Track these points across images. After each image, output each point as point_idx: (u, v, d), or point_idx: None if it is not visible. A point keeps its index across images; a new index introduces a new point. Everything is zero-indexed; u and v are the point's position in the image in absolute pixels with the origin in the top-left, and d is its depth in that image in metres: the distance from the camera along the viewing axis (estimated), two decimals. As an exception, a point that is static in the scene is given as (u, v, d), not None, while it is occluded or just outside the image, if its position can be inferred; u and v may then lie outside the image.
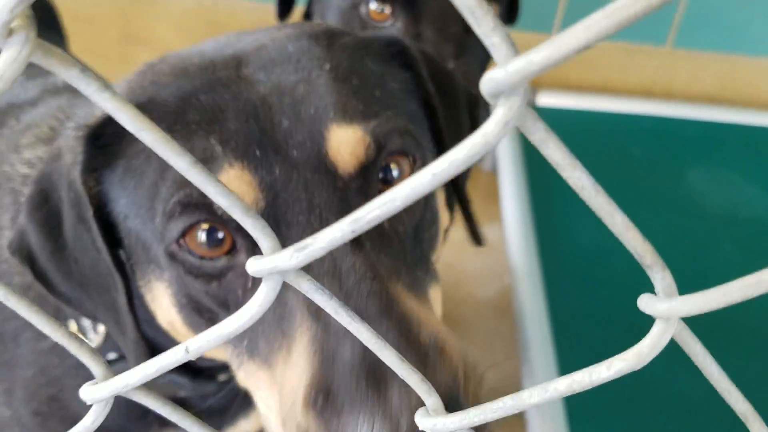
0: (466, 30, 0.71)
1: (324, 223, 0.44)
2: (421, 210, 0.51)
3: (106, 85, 0.25)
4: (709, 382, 0.29)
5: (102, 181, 0.48)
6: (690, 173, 1.46)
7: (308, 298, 0.29)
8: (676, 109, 1.59)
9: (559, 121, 1.56)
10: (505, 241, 1.26)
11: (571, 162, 0.26)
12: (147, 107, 0.45)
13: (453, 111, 0.58)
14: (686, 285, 1.18)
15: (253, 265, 0.28)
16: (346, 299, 0.42)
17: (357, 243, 0.45)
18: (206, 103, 0.45)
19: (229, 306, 0.47)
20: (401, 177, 0.48)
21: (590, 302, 1.16)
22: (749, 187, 1.43)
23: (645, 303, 0.28)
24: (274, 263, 0.27)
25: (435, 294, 0.53)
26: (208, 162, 0.44)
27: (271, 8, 1.53)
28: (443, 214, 0.56)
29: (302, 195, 0.45)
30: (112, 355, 0.60)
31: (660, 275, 0.27)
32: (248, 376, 0.48)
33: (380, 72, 0.51)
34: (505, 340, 1.31)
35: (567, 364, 1.08)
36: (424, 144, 0.52)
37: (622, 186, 1.40)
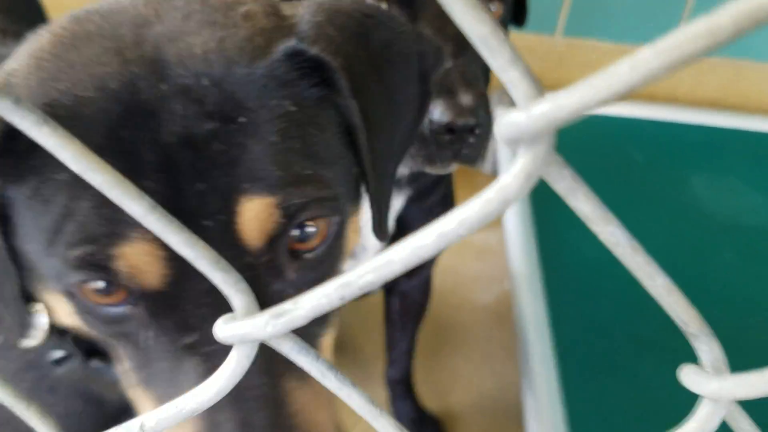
0: None
1: (228, 305, 0.40)
2: (338, 249, 0.47)
3: (44, 119, 0.21)
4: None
5: (7, 185, 0.42)
6: (693, 179, 1.43)
7: None
8: (680, 113, 1.56)
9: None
10: (506, 245, 1.22)
11: (603, 215, 0.21)
12: (70, 123, 0.36)
13: (388, 90, 0.51)
14: (687, 294, 1.13)
15: (223, 331, 0.23)
16: (238, 403, 0.39)
17: None
18: (126, 140, 0.39)
19: (138, 343, 0.43)
20: (317, 236, 0.45)
21: (592, 312, 1.13)
22: (752, 195, 1.40)
23: (691, 379, 0.23)
24: (246, 329, 0.23)
25: (326, 343, 0.49)
26: (111, 224, 0.38)
27: None
28: (352, 239, 0.51)
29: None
30: (58, 353, 0.55)
31: (707, 347, 0.23)
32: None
33: (299, 113, 0.44)
34: (504, 347, 1.27)
35: (568, 376, 1.04)
36: (345, 200, 0.48)
37: (624, 191, 1.37)
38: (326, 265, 0.46)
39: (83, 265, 0.39)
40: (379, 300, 1.15)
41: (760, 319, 1.16)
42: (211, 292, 0.38)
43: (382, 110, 0.50)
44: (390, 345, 1.12)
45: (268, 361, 0.40)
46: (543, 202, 1.30)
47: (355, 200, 0.50)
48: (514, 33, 0.83)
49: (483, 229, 1.49)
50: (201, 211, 0.40)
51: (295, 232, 0.43)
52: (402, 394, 1.15)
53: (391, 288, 1.05)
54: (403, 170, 0.80)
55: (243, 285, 0.24)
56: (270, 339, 0.24)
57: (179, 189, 0.39)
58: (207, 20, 0.44)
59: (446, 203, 0.93)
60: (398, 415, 1.15)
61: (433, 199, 0.89)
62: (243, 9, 0.45)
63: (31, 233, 0.42)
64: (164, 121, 0.40)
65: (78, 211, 0.39)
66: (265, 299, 0.41)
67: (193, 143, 0.40)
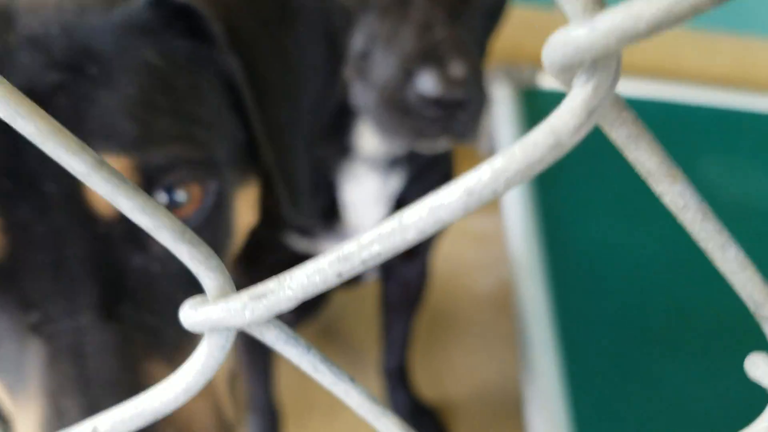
0: None
1: (75, 280, 0.36)
2: (221, 222, 0.43)
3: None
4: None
5: None
6: (701, 161, 1.39)
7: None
8: (686, 92, 1.52)
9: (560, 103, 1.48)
10: (505, 231, 1.18)
11: (670, 171, 0.17)
12: None
13: (285, 58, 0.47)
14: (698, 282, 1.08)
15: (192, 317, 0.19)
16: (85, 389, 0.35)
17: (112, 310, 0.37)
18: None
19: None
20: (190, 203, 0.40)
21: (600, 303, 1.09)
22: (763, 178, 1.36)
23: (762, 371, 0.19)
24: (220, 314, 0.18)
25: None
26: None
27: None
28: (246, 215, 0.46)
29: (51, 244, 0.36)
30: None
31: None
32: None
33: (164, 67, 0.40)
34: (504, 337, 1.24)
35: (573, 369, 1.00)
36: (226, 166, 0.43)
37: (626, 174, 1.33)
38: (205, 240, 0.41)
39: None
40: (372, 289, 1.10)
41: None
42: (55, 266, 0.36)
43: (276, 70, 0.46)
44: (386, 333, 1.07)
45: (124, 341, 0.37)
46: (547, 187, 1.25)
47: (245, 170, 0.46)
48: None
49: (480, 215, 1.44)
50: (42, 173, 0.36)
51: (162, 198, 0.39)
52: (398, 384, 1.11)
53: (387, 273, 1.01)
54: (396, 148, 0.75)
55: (215, 261, 0.19)
56: (249, 326, 0.19)
57: (17, 148, 0.35)
58: None
59: (446, 183, 0.88)
60: (394, 406, 1.12)
61: (433, 177, 0.84)
62: None
63: None
64: (8, 74, 0.36)
65: None
66: (124, 276, 0.37)
67: (36, 95, 0.35)
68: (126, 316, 0.37)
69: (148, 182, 0.38)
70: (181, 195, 0.39)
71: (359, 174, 0.78)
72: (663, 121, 1.47)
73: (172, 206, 0.39)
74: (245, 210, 0.46)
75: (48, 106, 0.34)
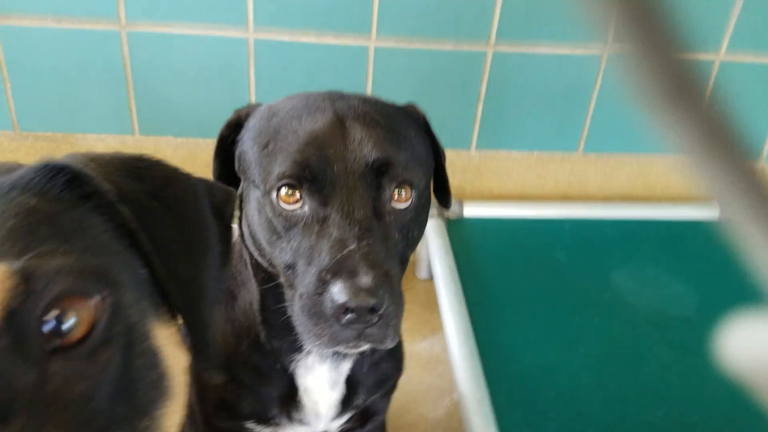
0: (376, 215, 0.73)
1: None
2: (136, 349, 0.41)
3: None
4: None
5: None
6: (615, 274, 1.49)
7: None
8: (593, 210, 1.67)
9: (486, 230, 1.61)
10: (449, 355, 1.25)
11: None
12: None
13: (177, 219, 0.49)
14: (626, 395, 1.19)
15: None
16: None
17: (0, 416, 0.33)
18: None
19: None
20: (78, 328, 0.38)
21: (540, 424, 1.14)
22: (674, 284, 1.47)
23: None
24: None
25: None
26: None
27: (194, 143, 1.55)
28: (174, 354, 0.45)
29: None
30: None
31: None
32: None
33: (45, 206, 0.41)
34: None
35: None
36: (122, 279, 0.42)
37: (551, 292, 1.43)
38: (115, 364, 0.39)
39: None
40: None
41: (702, 416, 1.15)
42: None
43: (172, 232, 0.48)
44: None
45: None
46: (480, 314, 1.34)
47: (157, 305, 0.46)
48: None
49: (426, 337, 1.52)
50: None
51: (50, 326, 0.37)
52: None
53: None
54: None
55: None
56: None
57: None
58: None
59: (394, 354, 0.96)
60: None
61: (378, 353, 0.92)
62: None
63: None
64: None
65: None
66: (16, 395, 0.34)
67: None
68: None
69: (27, 288, 0.36)
70: (67, 322, 0.37)
71: (313, 363, 0.86)
72: (578, 237, 1.60)
73: (59, 334, 0.37)
74: (171, 348, 0.44)
75: None
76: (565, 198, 1.76)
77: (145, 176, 0.49)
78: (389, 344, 0.72)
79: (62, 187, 0.43)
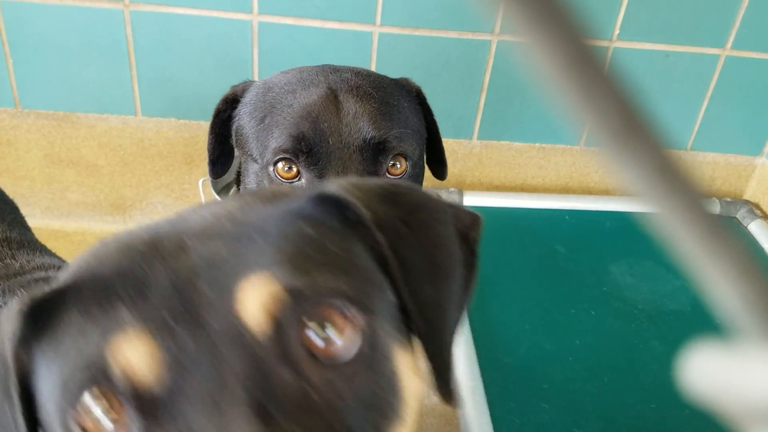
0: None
1: (234, 404, 0.37)
2: (381, 371, 0.43)
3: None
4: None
5: (33, 357, 0.43)
6: (613, 267, 1.49)
7: None
8: (594, 203, 1.67)
9: (485, 220, 1.60)
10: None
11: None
12: (84, 281, 0.42)
13: (424, 244, 0.51)
14: (619, 388, 1.20)
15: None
16: None
17: (263, 412, 0.37)
18: (138, 276, 0.41)
19: None
20: (339, 345, 0.40)
21: (534, 416, 1.14)
22: (671, 278, 1.47)
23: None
24: None
25: None
26: (113, 330, 0.39)
27: (196, 125, 1.55)
28: (411, 380, 0.46)
29: (212, 370, 0.37)
30: None
31: None
32: None
33: (317, 234, 0.45)
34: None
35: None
36: (378, 305, 0.44)
37: (548, 284, 1.43)
38: (362, 381, 0.42)
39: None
40: None
41: (694, 410, 1.17)
42: (214, 391, 0.37)
43: (418, 256, 0.50)
44: None
45: None
46: (476, 299, 1.34)
47: (400, 330, 0.47)
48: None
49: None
50: (206, 313, 0.39)
51: (312, 332, 0.40)
52: None
53: None
54: None
55: None
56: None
57: (185, 299, 0.40)
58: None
59: None
60: None
61: None
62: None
63: (50, 394, 0.42)
64: (182, 256, 0.43)
65: (85, 357, 0.39)
66: (279, 395, 0.38)
67: (207, 260, 0.42)
68: (279, 426, 0.37)
69: (293, 295, 0.39)
70: (328, 330, 0.40)
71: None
72: (578, 229, 1.60)
73: (321, 347, 0.40)
74: (409, 374, 0.46)
75: (216, 263, 0.41)
76: (565, 190, 1.76)
77: (398, 202, 0.51)
78: None
79: (332, 215, 0.46)
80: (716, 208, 1.72)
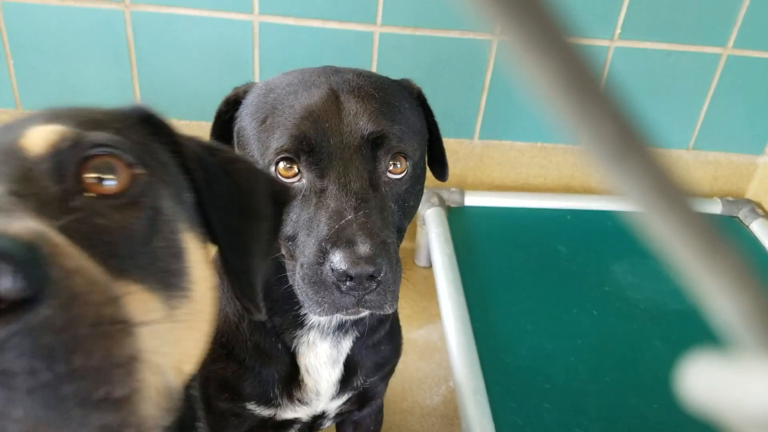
0: (372, 186, 0.75)
1: None
2: (162, 230, 0.46)
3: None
4: None
5: None
6: (615, 267, 1.49)
7: None
8: (595, 202, 1.67)
9: (486, 219, 1.60)
10: (446, 343, 1.26)
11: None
12: None
13: (235, 185, 0.57)
14: (621, 388, 1.19)
15: None
16: None
17: (15, 195, 0.40)
18: None
19: None
20: (113, 185, 0.44)
21: (535, 415, 1.14)
22: (673, 278, 1.46)
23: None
24: None
25: None
26: None
27: (197, 125, 1.55)
28: (201, 265, 0.48)
29: None
30: None
31: None
32: None
33: (122, 126, 0.50)
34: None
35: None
36: (166, 179, 0.48)
37: (550, 283, 1.43)
38: (135, 221, 0.43)
39: None
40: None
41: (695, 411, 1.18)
42: None
43: (230, 193, 0.56)
44: None
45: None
46: (477, 298, 1.34)
47: (194, 225, 0.51)
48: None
49: (423, 325, 1.53)
50: None
51: (91, 178, 0.43)
52: None
53: (342, 419, 1.07)
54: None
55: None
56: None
57: None
58: None
59: (392, 338, 0.97)
60: None
61: (378, 336, 0.93)
62: None
63: None
64: None
65: None
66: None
67: None
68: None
69: (76, 144, 0.43)
70: (107, 177, 0.43)
71: (314, 339, 0.88)
72: (580, 229, 1.60)
73: (97, 187, 0.43)
74: (199, 260, 0.48)
75: None
76: (567, 190, 1.76)
77: (218, 152, 0.58)
78: (388, 310, 0.74)
79: (148, 132, 0.52)
80: (718, 207, 1.71)
